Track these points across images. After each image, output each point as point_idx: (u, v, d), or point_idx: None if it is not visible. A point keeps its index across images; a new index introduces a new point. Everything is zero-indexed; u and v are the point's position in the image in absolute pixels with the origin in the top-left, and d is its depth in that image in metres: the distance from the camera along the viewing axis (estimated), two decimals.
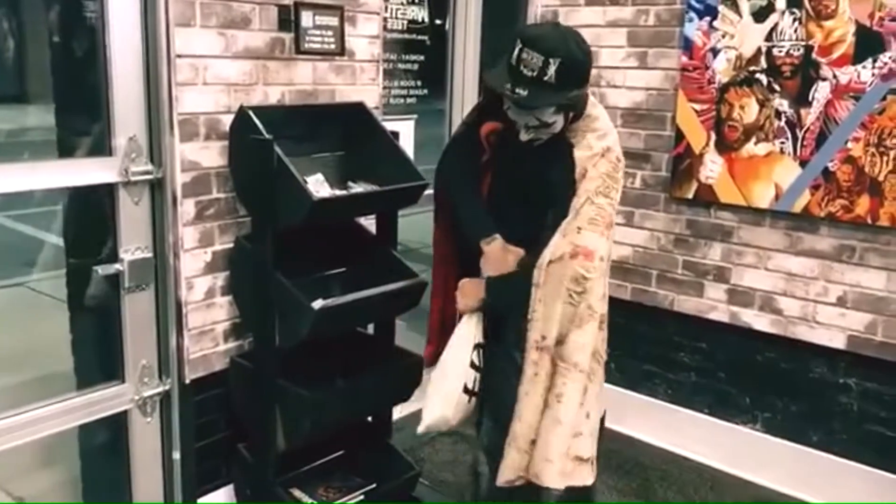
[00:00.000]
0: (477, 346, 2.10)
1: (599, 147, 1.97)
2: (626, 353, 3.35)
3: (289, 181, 2.17)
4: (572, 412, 1.98)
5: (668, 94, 3.12)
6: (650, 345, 3.32)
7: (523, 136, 1.98)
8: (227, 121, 2.32)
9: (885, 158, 2.65)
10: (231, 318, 2.47)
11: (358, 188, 2.57)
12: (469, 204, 2.14)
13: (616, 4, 3.20)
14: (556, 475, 1.99)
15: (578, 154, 1.96)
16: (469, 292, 2.11)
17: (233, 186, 2.37)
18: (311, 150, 2.56)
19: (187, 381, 2.39)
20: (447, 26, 3.56)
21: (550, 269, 1.92)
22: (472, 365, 2.09)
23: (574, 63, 1.86)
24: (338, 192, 2.50)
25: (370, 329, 2.80)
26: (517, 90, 1.86)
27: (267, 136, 2.18)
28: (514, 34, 1.92)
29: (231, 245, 2.40)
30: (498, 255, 2.05)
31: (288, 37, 2.44)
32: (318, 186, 2.44)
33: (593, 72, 1.99)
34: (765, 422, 3.07)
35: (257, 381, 2.36)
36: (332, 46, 2.57)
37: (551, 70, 1.82)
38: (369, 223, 2.74)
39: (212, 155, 2.32)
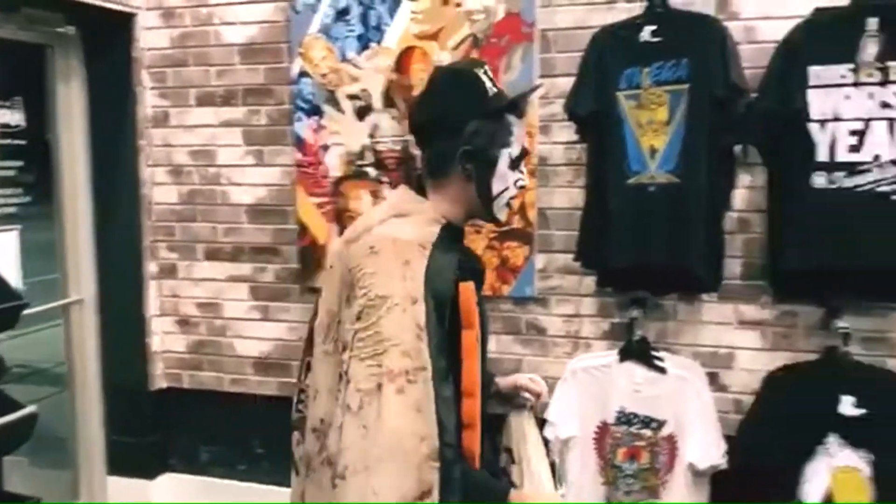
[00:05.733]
0: None
1: None
2: (281, 449, 3.31)
3: None
4: None
5: (287, 190, 3.21)
6: None
7: None
8: None
9: (480, 236, 2.98)
10: None
11: None
12: None
13: (227, 105, 3.25)
14: None
15: None
16: None
17: None
18: None
19: None
20: (48, 128, 3.32)
21: None
22: None
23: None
24: None
25: None
26: None
27: None
28: None
29: None
30: None
31: None
32: None
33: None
34: None
35: None
36: None
37: None
38: None
39: None
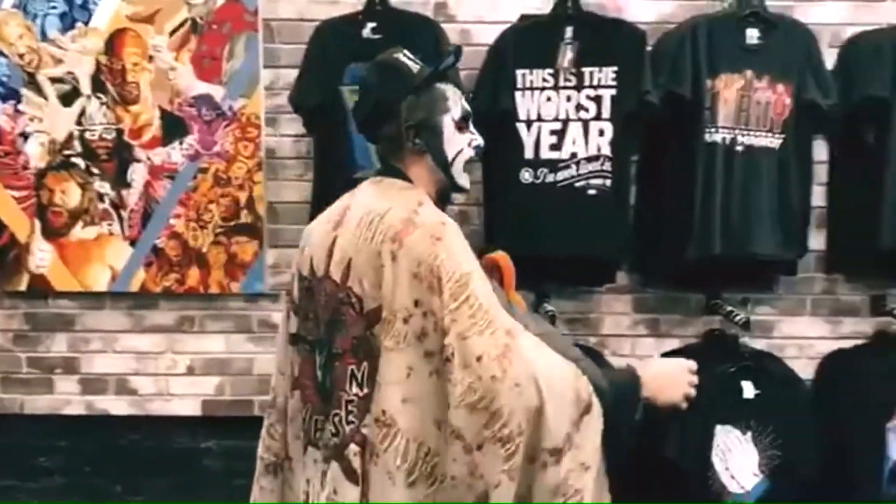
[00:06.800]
0: None
1: None
2: None
3: None
4: None
5: None
6: (4, 457, 2.97)
7: None
8: None
9: (205, 231, 2.86)
10: None
11: None
12: None
13: None
14: None
15: None
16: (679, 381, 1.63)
17: None
18: None
19: None
20: None
21: None
22: None
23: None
24: None
25: None
26: None
27: None
28: None
29: None
30: None
31: None
32: None
33: None
34: None
35: None
36: None
37: None
38: None
39: None
